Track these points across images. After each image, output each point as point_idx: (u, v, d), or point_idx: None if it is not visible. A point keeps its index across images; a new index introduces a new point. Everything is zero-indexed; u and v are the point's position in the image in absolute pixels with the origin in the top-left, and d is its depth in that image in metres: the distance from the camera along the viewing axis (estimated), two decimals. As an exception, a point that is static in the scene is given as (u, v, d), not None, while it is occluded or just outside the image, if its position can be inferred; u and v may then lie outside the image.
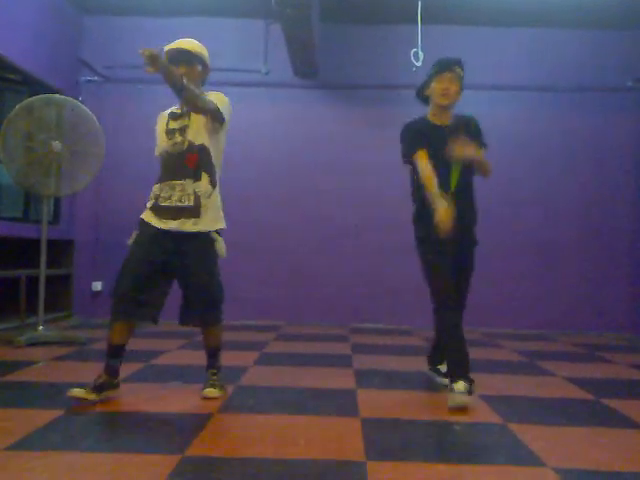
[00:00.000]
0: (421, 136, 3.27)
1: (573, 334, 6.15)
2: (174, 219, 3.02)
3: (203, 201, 3.05)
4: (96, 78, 6.46)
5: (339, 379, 3.70)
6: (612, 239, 6.43)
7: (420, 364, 4.30)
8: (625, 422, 2.92)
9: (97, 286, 6.37)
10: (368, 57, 6.53)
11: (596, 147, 6.48)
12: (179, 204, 3.02)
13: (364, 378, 3.77)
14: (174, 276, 3.11)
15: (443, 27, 6.34)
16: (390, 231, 6.37)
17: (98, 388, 2.96)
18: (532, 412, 3.09)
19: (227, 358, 4.25)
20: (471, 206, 3.34)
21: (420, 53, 5.69)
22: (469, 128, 3.31)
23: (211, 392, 3.11)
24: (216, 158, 3.15)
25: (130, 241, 3.07)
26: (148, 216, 3.08)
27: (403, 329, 6.22)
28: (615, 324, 6.34)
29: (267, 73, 6.43)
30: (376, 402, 3.17)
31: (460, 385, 3.01)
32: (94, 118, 4.84)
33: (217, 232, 3.12)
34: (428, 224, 3.09)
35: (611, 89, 6.39)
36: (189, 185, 3.04)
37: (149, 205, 3.11)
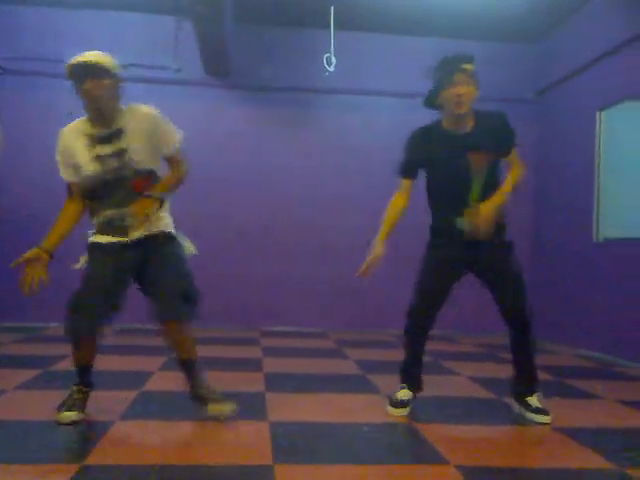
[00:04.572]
0: (425, 151, 2.98)
1: (475, 335, 6.36)
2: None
3: None
4: (-6, 69, 6.10)
5: (248, 383, 3.65)
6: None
7: (331, 366, 4.32)
8: (525, 420, 3.03)
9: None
10: (281, 60, 6.51)
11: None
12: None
13: (274, 382, 3.73)
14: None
15: (355, 33, 6.41)
16: (300, 232, 6.37)
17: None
18: (437, 411, 3.16)
19: (132, 363, 4.12)
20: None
21: (332, 58, 5.76)
22: (495, 131, 3.04)
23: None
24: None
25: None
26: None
27: (316, 331, 6.23)
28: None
29: (178, 70, 6.29)
30: (285, 405, 3.15)
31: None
32: (-10, 110, 4.56)
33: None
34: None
35: (512, 100, 6.64)
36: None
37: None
